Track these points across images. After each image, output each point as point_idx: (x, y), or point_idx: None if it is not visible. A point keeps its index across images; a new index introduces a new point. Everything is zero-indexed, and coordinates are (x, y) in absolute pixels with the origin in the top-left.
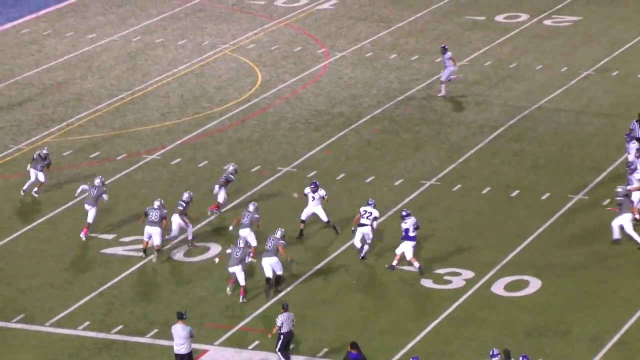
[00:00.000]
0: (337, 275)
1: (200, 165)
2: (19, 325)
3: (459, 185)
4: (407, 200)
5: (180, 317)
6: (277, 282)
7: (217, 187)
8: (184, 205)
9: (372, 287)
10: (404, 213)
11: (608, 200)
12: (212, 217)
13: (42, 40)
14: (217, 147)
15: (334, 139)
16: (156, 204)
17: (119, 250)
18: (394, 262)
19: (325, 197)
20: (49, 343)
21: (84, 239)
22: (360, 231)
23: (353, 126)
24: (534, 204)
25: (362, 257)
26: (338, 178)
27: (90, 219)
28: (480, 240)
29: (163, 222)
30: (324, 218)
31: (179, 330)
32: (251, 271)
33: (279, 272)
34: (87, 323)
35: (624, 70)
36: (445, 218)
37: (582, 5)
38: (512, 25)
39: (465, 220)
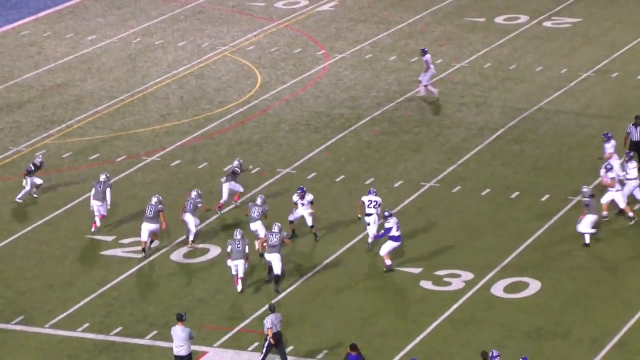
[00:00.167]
0: (337, 277)
1: (199, 167)
2: (18, 327)
3: (459, 187)
4: (406, 202)
5: (180, 318)
6: (275, 281)
7: (223, 181)
8: (200, 202)
9: (372, 289)
10: (386, 213)
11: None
12: (218, 215)
13: (41, 42)
14: (217, 149)
15: (333, 140)
16: (153, 200)
17: (118, 252)
18: (387, 263)
19: (313, 202)
20: (48, 345)
21: (93, 230)
22: (368, 220)
23: (352, 128)
24: (533, 206)
25: (369, 245)
26: (337, 180)
27: (97, 213)
28: (479, 241)
29: (160, 218)
30: (309, 223)
31: (179, 332)
32: (250, 271)
33: (278, 272)
34: (86, 325)
35: (623, 71)
36: (444, 220)
37: (581, 7)
38: (512, 27)
39: (465, 222)
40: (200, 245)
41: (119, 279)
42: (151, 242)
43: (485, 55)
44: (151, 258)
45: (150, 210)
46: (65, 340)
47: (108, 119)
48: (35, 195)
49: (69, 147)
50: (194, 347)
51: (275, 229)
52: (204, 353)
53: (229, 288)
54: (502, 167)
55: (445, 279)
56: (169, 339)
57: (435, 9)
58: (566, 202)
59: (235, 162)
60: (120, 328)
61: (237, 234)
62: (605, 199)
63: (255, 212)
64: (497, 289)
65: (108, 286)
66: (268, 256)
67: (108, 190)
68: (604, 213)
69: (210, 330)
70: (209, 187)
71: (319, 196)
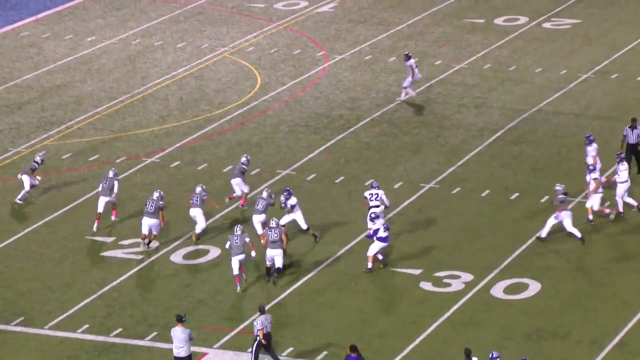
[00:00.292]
0: (337, 278)
1: (199, 168)
2: (18, 328)
3: (458, 188)
4: (406, 203)
5: (180, 319)
6: (276, 272)
7: (233, 179)
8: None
9: (372, 290)
10: (373, 215)
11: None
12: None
13: (41, 43)
14: (217, 150)
15: (333, 141)
16: (155, 194)
17: (118, 253)
18: (380, 258)
19: (291, 207)
20: (48, 346)
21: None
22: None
23: (352, 129)
24: (533, 207)
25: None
26: (337, 181)
27: (100, 209)
28: (479, 243)
29: (160, 214)
30: (303, 226)
31: (179, 333)
32: (250, 271)
33: (280, 265)
34: (86, 326)
35: (623, 73)
36: (444, 221)
37: (581, 8)
38: (512, 28)
39: (465, 223)
40: (201, 246)
41: (118, 280)
42: (150, 242)
43: (484, 56)
44: (151, 259)
45: (151, 205)
46: (65, 341)
47: (108, 120)
48: (28, 195)
49: (68, 148)
50: (194, 348)
51: (273, 224)
52: (204, 354)
53: (229, 289)
54: (501, 168)
55: (445, 280)
56: (169, 340)
57: (434, 10)
58: None
59: (243, 159)
60: (120, 329)
61: (237, 230)
62: (589, 203)
63: (259, 204)
64: (497, 290)
65: (108, 287)
66: (270, 252)
67: (116, 184)
68: (590, 217)
69: (210, 332)
70: (209, 188)
71: (318, 197)
